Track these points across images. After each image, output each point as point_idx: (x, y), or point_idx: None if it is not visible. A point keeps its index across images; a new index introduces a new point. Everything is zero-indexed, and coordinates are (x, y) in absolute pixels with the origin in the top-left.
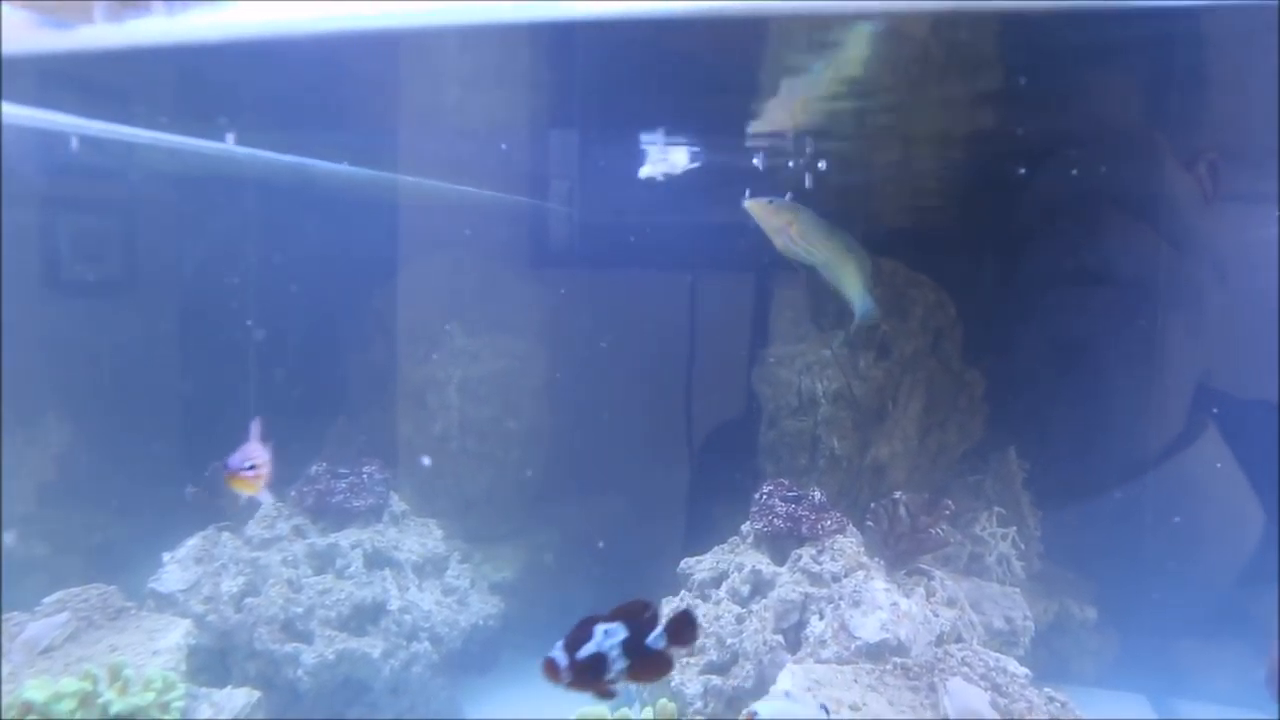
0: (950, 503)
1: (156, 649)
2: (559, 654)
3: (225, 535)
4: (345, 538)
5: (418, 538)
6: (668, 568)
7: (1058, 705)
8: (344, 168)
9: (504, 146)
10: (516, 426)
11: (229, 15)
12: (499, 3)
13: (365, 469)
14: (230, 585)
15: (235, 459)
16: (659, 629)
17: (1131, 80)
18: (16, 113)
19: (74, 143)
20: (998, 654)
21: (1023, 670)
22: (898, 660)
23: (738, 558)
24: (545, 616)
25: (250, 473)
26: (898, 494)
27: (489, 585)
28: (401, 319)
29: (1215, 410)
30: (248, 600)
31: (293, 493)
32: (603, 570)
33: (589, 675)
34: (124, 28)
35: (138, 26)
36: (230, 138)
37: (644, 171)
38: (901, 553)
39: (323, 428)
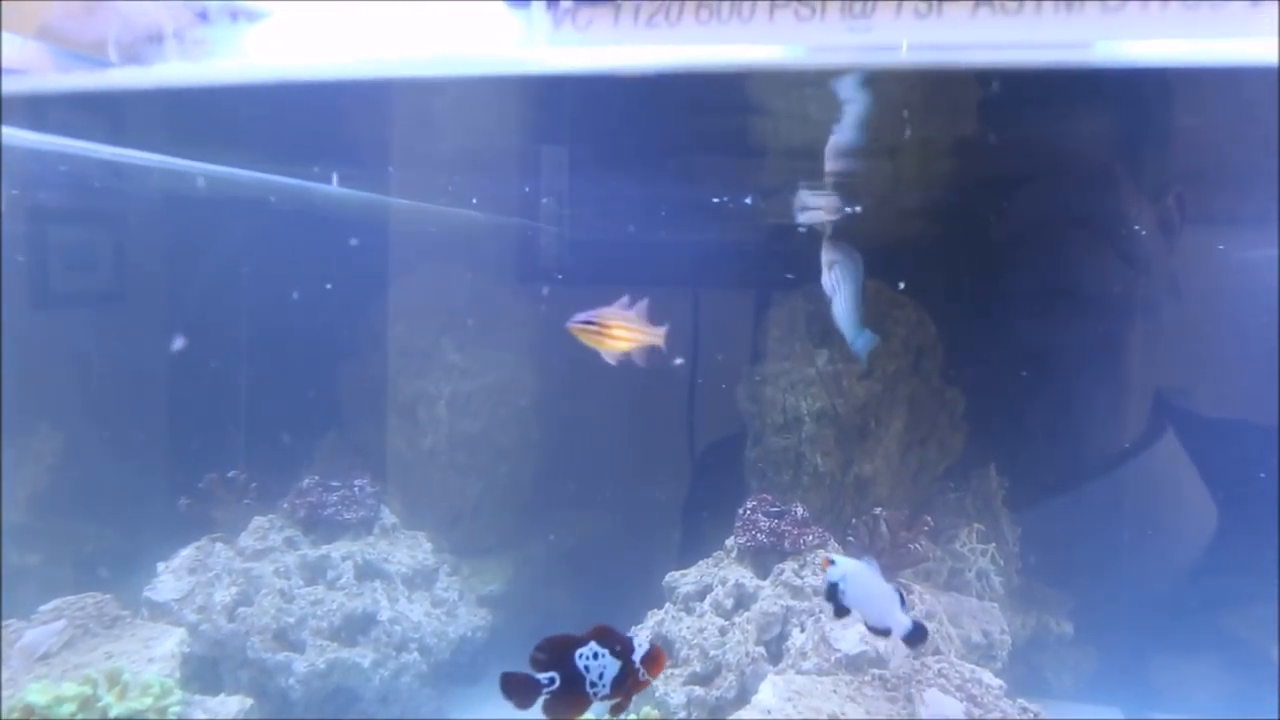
0: (929, 518)
1: (152, 656)
2: (543, 676)
3: (219, 546)
4: (337, 549)
5: (408, 550)
6: (654, 581)
7: (1031, 716)
8: (339, 190)
9: (499, 171)
10: (505, 441)
11: (240, 62)
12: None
13: (356, 482)
14: (223, 595)
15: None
16: (638, 655)
17: (1096, 118)
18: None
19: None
20: (974, 666)
21: (997, 682)
22: (876, 672)
23: (722, 571)
24: (532, 629)
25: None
26: (878, 510)
27: (477, 598)
28: (393, 334)
29: (1188, 427)
30: (241, 610)
31: (285, 505)
32: (589, 583)
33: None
34: (146, 71)
35: (153, 71)
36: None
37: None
38: (882, 567)
39: (314, 440)
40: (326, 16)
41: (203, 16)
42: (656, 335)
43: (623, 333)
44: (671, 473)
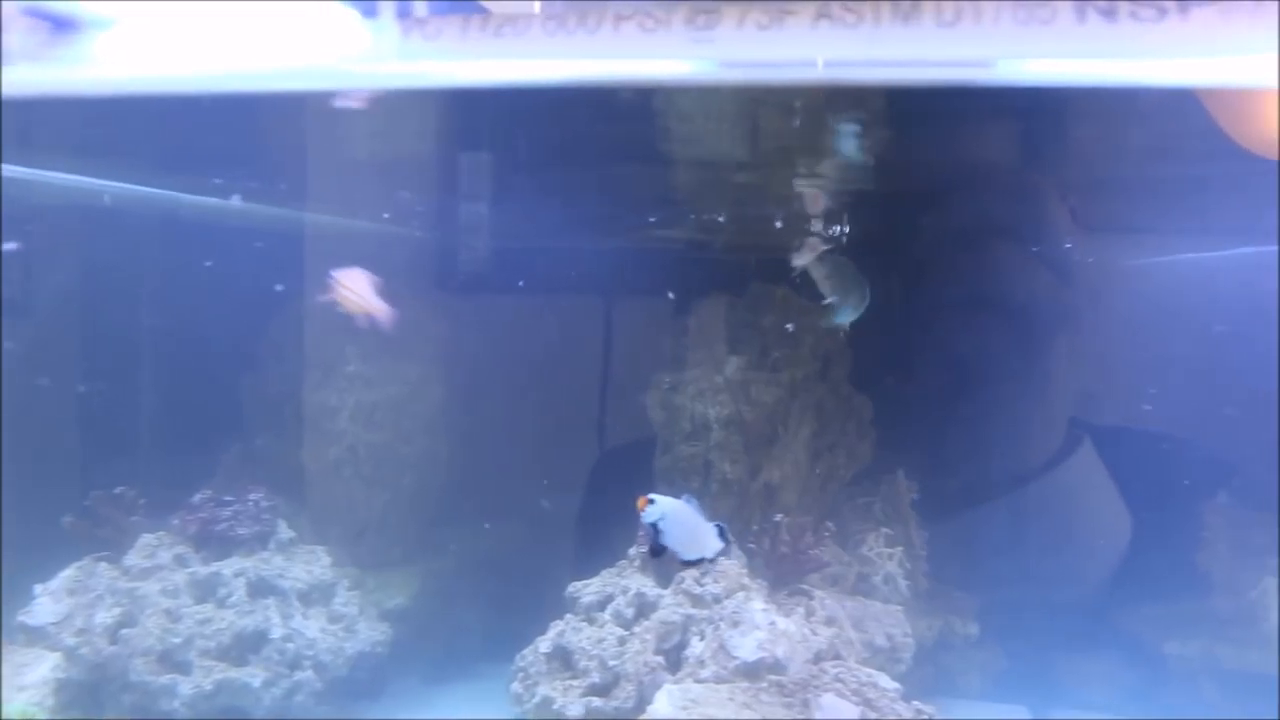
0: (831, 525)
1: (23, 684)
2: None
3: (102, 566)
4: (228, 566)
5: (304, 565)
6: (563, 591)
7: (925, 717)
8: (240, 204)
9: (407, 183)
10: (411, 452)
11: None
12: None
13: (251, 496)
14: (105, 617)
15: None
16: None
17: (1013, 127)
18: None
19: None
20: (870, 670)
21: (894, 685)
22: (774, 678)
23: (624, 580)
24: (438, 641)
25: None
26: (778, 517)
27: (381, 612)
28: (296, 346)
29: (1090, 430)
30: (124, 631)
31: (175, 521)
32: (497, 594)
33: None
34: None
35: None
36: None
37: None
38: (784, 573)
39: (217, 455)
40: (175, 25)
41: (53, 24)
42: (378, 308)
43: (351, 293)
44: (583, 482)
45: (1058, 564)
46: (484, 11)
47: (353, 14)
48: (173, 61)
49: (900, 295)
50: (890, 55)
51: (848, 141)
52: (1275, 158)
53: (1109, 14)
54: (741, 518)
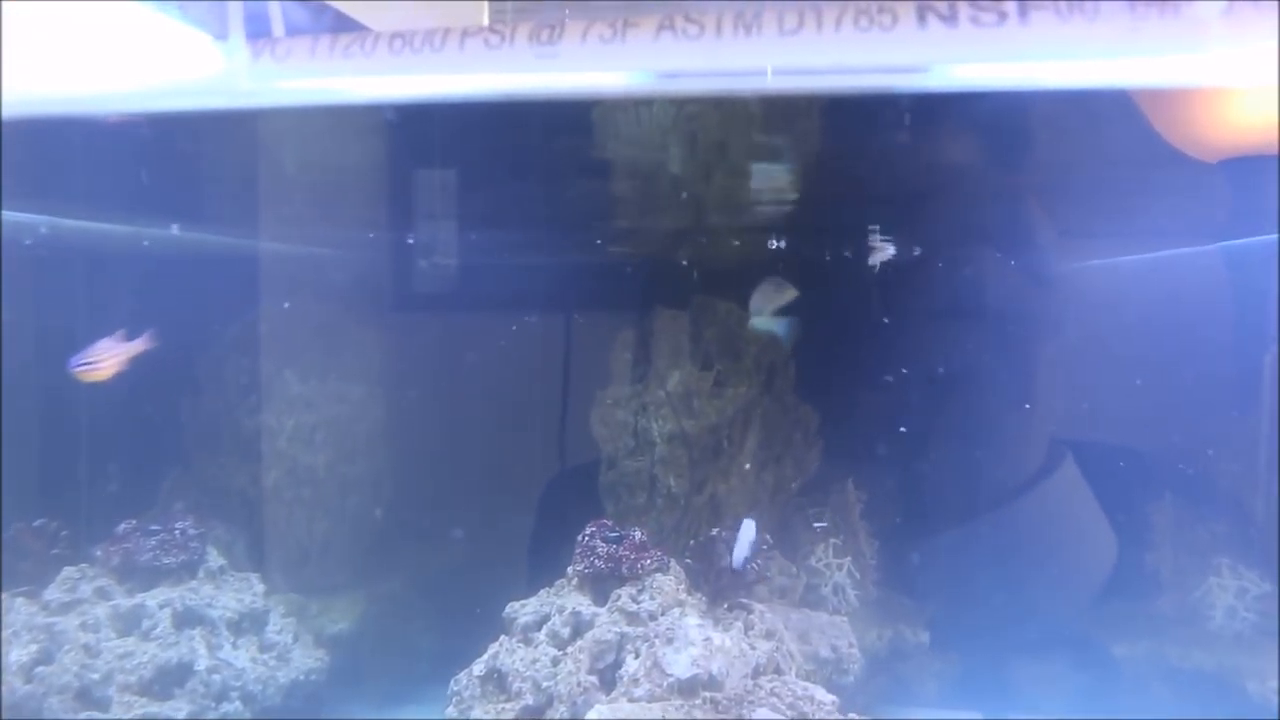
0: (769, 537)
1: None
2: None
3: (19, 601)
4: (153, 597)
5: (235, 593)
6: None
7: None
8: (175, 232)
9: (343, 200)
10: (353, 474)
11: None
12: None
13: (178, 524)
14: (20, 654)
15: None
16: None
17: (966, 129)
18: None
19: None
20: (807, 684)
21: (830, 698)
22: (708, 694)
23: (560, 600)
24: (386, 665)
25: (87, 367)
26: (715, 530)
27: (326, 637)
28: (235, 368)
29: (1037, 434)
30: (39, 669)
31: (98, 553)
32: (444, 616)
33: None
34: None
35: None
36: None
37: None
38: (722, 588)
39: (156, 482)
40: (25, 47)
41: None
42: (136, 346)
43: (109, 359)
44: (529, 500)
45: (1010, 568)
46: (362, 30)
47: (204, 37)
48: (26, 83)
49: (846, 304)
50: (733, 65)
51: (781, 153)
52: (1207, 159)
53: (950, 18)
54: (689, 532)
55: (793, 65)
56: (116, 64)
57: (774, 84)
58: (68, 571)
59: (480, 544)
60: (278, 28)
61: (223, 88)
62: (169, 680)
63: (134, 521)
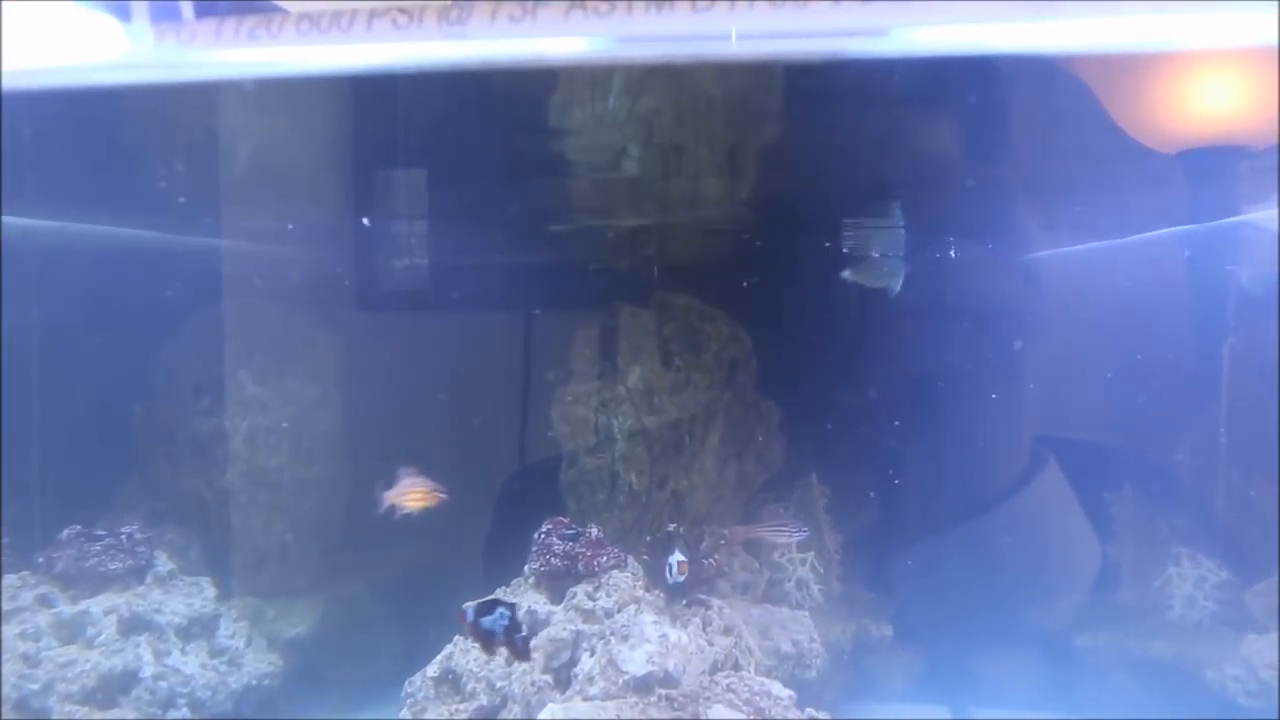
0: (726, 533)
1: None
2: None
3: None
4: (98, 604)
5: (185, 598)
6: None
7: None
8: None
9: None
10: (311, 475)
11: None
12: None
13: (124, 529)
14: None
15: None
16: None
17: (938, 117)
18: None
19: None
20: (764, 679)
21: (787, 693)
22: (664, 692)
23: (517, 598)
24: (346, 668)
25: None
26: (671, 526)
27: (284, 641)
28: (189, 370)
29: (1000, 428)
30: None
31: (40, 559)
32: (404, 618)
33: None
34: None
35: None
36: None
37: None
38: (681, 583)
39: (109, 487)
40: None
41: None
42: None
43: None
44: (490, 499)
45: (976, 562)
46: (273, 10)
47: (108, 19)
48: None
49: (807, 298)
50: (647, 32)
51: (740, 147)
52: (1167, 149)
53: None
54: (651, 528)
55: (701, 33)
56: (21, 45)
57: (725, 50)
58: (9, 580)
59: (442, 544)
60: (186, 10)
61: (126, 66)
62: (113, 688)
63: (78, 527)
